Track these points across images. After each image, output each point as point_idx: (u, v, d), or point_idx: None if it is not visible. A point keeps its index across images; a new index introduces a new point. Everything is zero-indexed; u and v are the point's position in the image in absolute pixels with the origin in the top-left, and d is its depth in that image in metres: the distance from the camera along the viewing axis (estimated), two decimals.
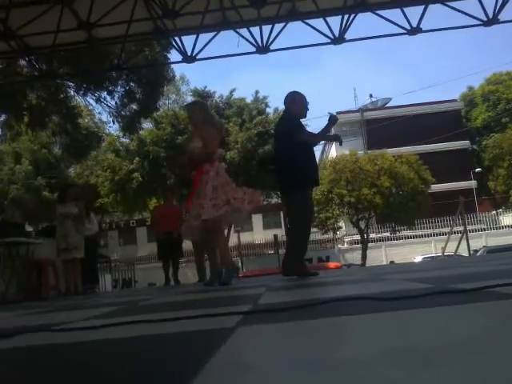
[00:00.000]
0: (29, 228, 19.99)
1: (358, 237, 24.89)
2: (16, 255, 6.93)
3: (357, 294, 1.98)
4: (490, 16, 9.15)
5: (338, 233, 26.73)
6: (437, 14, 10.05)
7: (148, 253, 27.24)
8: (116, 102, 14.96)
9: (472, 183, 30.48)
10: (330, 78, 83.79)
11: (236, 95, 25.16)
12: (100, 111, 21.80)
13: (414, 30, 9.20)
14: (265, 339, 1.14)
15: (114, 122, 16.12)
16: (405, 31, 9.27)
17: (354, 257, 24.82)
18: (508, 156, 25.92)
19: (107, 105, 15.33)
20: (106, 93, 14.81)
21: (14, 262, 6.86)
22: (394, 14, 9.33)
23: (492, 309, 1.29)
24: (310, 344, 1.02)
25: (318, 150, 47.35)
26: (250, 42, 9.44)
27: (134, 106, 14.85)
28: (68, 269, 7.35)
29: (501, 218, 28.08)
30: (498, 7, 9.12)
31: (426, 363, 0.73)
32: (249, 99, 24.97)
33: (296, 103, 4.99)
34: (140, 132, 20.02)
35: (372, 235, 25.68)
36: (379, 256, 25.31)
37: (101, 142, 21.98)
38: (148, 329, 1.50)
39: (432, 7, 9.23)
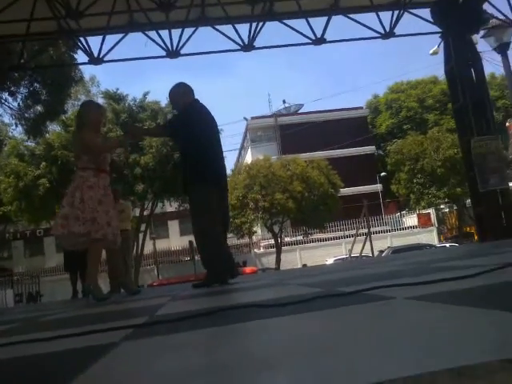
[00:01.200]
0: None
1: (273, 241, 25.42)
2: None
3: (248, 301, 2.04)
4: (388, 30, 9.84)
5: (253, 237, 27.13)
6: (340, 25, 10.63)
7: (57, 263, 25.85)
8: (19, 104, 14.10)
9: (378, 187, 32.37)
10: (244, 84, 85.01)
11: (150, 98, 24.69)
12: (1, 113, 20.37)
13: (319, 40, 9.67)
14: (143, 353, 1.14)
15: (16, 125, 15.18)
16: (310, 41, 9.69)
17: (270, 261, 25.31)
18: (408, 161, 27.83)
19: (9, 106, 14.39)
20: (7, 94, 13.89)
21: None
22: (301, 24, 9.74)
23: (359, 311, 1.39)
24: (186, 354, 1.04)
25: (233, 155, 47.92)
26: (161, 46, 9.36)
27: (39, 108, 14.07)
28: None
29: (404, 219, 30.08)
30: (393, 22, 9.85)
31: (273, 367, 0.78)
32: (163, 102, 24.61)
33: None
34: (47, 135, 18.95)
35: (286, 239, 26.36)
36: (294, 259, 26.02)
37: (2, 146, 20.51)
38: (32, 348, 1.44)
39: (336, 18, 9.77)
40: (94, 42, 9.38)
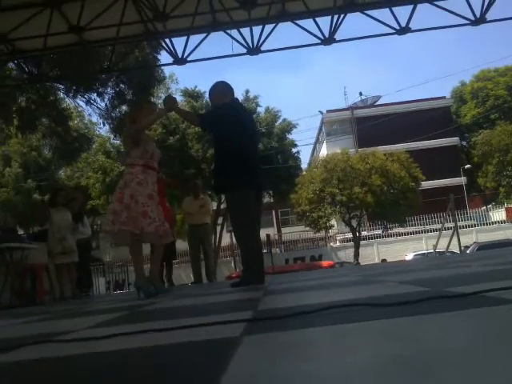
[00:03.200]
0: (20, 231, 19.85)
1: (350, 235, 25.02)
2: (10, 260, 6.89)
3: (354, 298, 2.01)
4: (478, 15, 9.25)
5: (330, 231, 26.87)
6: (425, 14, 10.17)
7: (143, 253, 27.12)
8: (106, 104, 14.93)
9: (462, 180, 30.76)
10: (320, 77, 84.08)
11: None
12: (90, 113, 21.71)
13: (403, 30, 9.29)
14: (271, 349, 1.17)
15: (104, 124, 16.07)
16: (394, 31, 9.36)
17: (347, 254, 24.95)
18: (497, 153, 26.17)
19: (97, 107, 15.28)
20: (95, 95, 14.77)
21: (8, 267, 6.82)
22: (383, 13, 9.43)
23: (488, 315, 1.32)
24: (314, 353, 1.05)
25: (308, 149, 47.54)
26: (241, 44, 9.47)
27: (125, 108, 14.81)
28: (61, 273, 7.34)
29: (490, 213, 28.37)
30: (485, 7, 9.24)
31: (427, 373, 0.76)
32: (239, 98, 24.97)
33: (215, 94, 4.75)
34: None
35: (364, 233, 25.84)
36: (371, 253, 25.46)
37: (91, 143, 21.86)
38: (153, 338, 1.52)
39: (420, 7, 9.33)
40: (177, 43, 9.70)
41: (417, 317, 1.38)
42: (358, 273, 5.26)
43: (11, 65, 11.55)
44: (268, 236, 21.19)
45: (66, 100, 15.75)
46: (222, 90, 4.71)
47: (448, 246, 14.11)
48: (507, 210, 27.03)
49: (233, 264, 26.68)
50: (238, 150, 4.37)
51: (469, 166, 30.29)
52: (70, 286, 7.32)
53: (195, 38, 9.60)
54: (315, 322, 1.48)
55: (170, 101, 4.67)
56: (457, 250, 14.65)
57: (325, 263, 20.53)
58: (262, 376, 0.89)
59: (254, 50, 9.36)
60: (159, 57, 13.15)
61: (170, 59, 9.77)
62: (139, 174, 4.30)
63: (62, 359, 1.34)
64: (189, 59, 9.45)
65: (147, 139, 4.64)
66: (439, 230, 15.51)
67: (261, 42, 9.39)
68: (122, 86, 14.45)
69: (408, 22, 9.25)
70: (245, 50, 9.42)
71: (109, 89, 14.64)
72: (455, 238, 13.50)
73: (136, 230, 4.20)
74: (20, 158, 26.36)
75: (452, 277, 2.96)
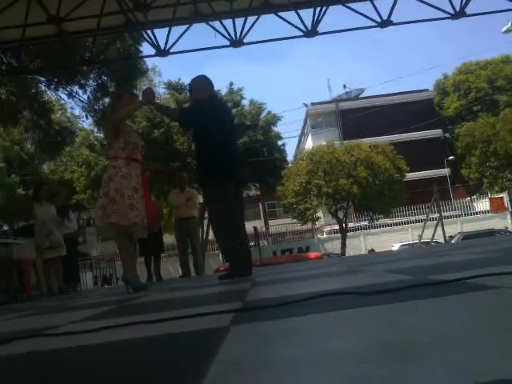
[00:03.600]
0: (4, 227, 19.59)
1: (336, 226, 25.17)
2: None
3: (341, 288, 2.02)
4: (458, 9, 9.32)
5: (317, 223, 27.00)
6: (407, 7, 10.20)
7: None
8: (88, 97, 14.74)
9: (446, 171, 31.11)
10: (304, 69, 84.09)
11: None
12: (72, 106, 21.43)
13: (385, 23, 9.34)
14: (258, 338, 1.17)
15: (87, 117, 15.90)
16: (376, 24, 9.39)
17: (334, 246, 25.11)
18: (480, 144, 26.52)
19: (79, 99, 15.09)
20: (77, 87, 14.57)
21: None
22: (365, 6, 9.46)
23: (471, 301, 1.34)
24: (300, 341, 1.05)
25: (293, 142, 47.68)
26: (224, 36, 9.42)
27: (107, 100, 14.64)
28: (48, 268, 7.26)
29: (475, 204, 28.77)
30: (464, 1, 9.31)
31: (410, 359, 0.77)
32: (223, 91, 24.87)
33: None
34: None
35: (350, 224, 26.02)
36: (358, 244, 25.67)
37: (74, 137, 21.59)
38: (143, 330, 1.51)
39: (401, 0, 9.38)
40: (160, 34, 9.59)
41: (399, 304, 1.39)
42: (345, 263, 5.30)
43: None
44: (255, 228, 21.21)
45: (48, 92, 15.51)
46: (202, 84, 4.72)
47: (433, 236, 14.30)
48: (491, 200, 27.43)
49: (220, 257, 26.68)
50: (217, 144, 4.38)
51: (452, 157, 30.62)
52: (56, 281, 7.24)
53: (177, 30, 9.53)
54: (300, 311, 1.49)
55: (149, 94, 4.65)
56: (442, 240, 14.85)
57: (312, 255, 20.64)
58: (248, 363, 0.89)
59: (236, 42, 9.32)
60: (141, 48, 13.03)
61: (153, 51, 9.68)
62: (122, 166, 4.27)
63: (51, 352, 1.33)
64: (171, 51, 9.37)
65: (129, 130, 4.58)
66: (424, 220, 15.69)
67: (243, 33, 9.36)
68: (104, 77, 14.28)
69: (389, 15, 9.29)
70: (228, 42, 9.38)
71: (91, 81, 14.46)
72: (440, 229, 13.68)
73: (125, 222, 4.18)
74: (2, 152, 25.94)
75: (435, 265, 3.00)
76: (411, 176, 25.93)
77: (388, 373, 0.71)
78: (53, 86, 14.44)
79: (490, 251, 3.82)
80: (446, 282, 1.70)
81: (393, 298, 1.51)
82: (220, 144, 4.41)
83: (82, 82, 14.27)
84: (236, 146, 4.83)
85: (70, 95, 15.01)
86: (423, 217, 19.37)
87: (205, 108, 4.48)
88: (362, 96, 37.43)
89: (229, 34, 9.44)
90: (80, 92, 14.71)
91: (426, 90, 35.58)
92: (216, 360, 0.91)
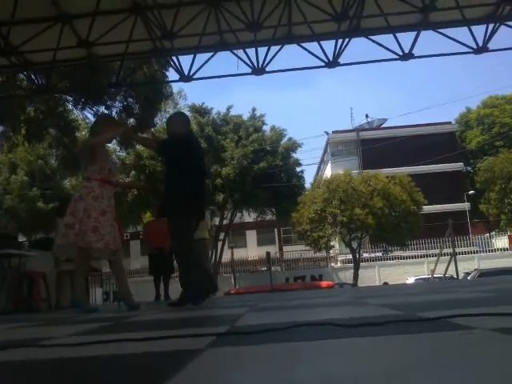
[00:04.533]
0: (22, 238, 19.95)
1: (351, 256, 24.97)
2: (8, 267, 6.97)
3: (328, 318, 2.08)
4: (480, 44, 9.40)
5: (331, 251, 26.81)
6: (429, 40, 10.33)
7: (141, 266, 27.18)
8: (114, 117, 15.13)
9: (465, 205, 30.71)
10: (326, 97, 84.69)
11: (233, 112, 25.46)
12: None
13: (406, 56, 9.44)
14: (229, 361, 1.25)
15: None
16: (397, 57, 9.51)
17: (347, 276, 24.86)
18: (500, 180, 26.20)
19: None
20: (104, 107, 14.99)
21: (6, 273, 6.89)
22: (387, 39, 9.61)
23: (436, 339, 1.40)
24: (270, 367, 1.13)
25: (313, 169, 47.78)
26: (246, 63, 9.64)
27: (132, 121, 15.01)
28: (61, 281, 7.37)
29: (493, 240, 28.26)
30: (487, 36, 9.40)
31: None
32: (245, 116, 25.27)
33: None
34: (137, 147, 20.15)
35: (365, 255, 25.76)
36: (372, 276, 25.35)
37: None
38: (126, 347, 1.60)
39: (424, 33, 9.52)
40: (184, 60, 9.92)
41: (372, 337, 1.46)
42: (349, 294, 5.31)
43: (21, 76, 11.79)
44: (268, 254, 21.20)
45: (74, 112, 15.99)
46: (182, 120, 5.02)
47: (445, 271, 14.08)
48: (510, 237, 26.93)
49: (232, 280, 26.66)
50: (185, 177, 4.54)
51: (472, 192, 30.27)
52: (70, 295, 7.27)
53: (202, 56, 9.81)
54: (279, 338, 1.56)
55: (129, 130, 4.94)
56: (455, 275, 14.60)
57: (324, 283, 20.45)
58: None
59: (258, 70, 9.53)
60: (167, 73, 13.38)
61: (177, 76, 9.97)
62: (96, 187, 4.42)
63: (35, 362, 1.43)
64: (195, 77, 9.63)
65: (104, 154, 4.76)
66: (437, 255, 15.49)
67: (266, 62, 9.57)
68: (130, 100, 14.66)
69: (411, 48, 9.41)
70: (250, 70, 9.60)
71: (117, 102, 14.86)
72: (453, 264, 13.49)
73: (84, 244, 4.30)
74: (26, 166, 26.60)
75: (431, 302, 3.03)
76: (430, 209, 25.67)
77: None
78: (79, 106, 14.89)
79: (495, 290, 3.80)
80: (425, 319, 1.76)
81: (373, 331, 1.58)
82: (188, 178, 4.55)
83: (108, 103, 14.69)
84: (204, 184, 5.05)
85: (96, 115, 15.45)
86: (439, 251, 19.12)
87: (179, 141, 4.68)
88: (383, 126, 37.45)
89: (251, 62, 9.67)
90: (106, 112, 15.12)
91: (449, 123, 35.46)
92: (176, 376, 1.00)
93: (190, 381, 1.02)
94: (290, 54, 11.35)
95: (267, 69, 9.70)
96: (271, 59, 9.63)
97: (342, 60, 9.71)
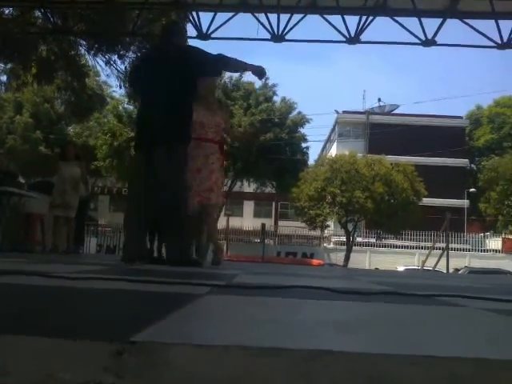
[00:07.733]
0: (22, 180, 19.96)
1: (344, 238, 25.11)
2: (6, 205, 6.96)
3: (319, 285, 2.10)
4: (505, 40, 9.23)
5: (325, 231, 26.95)
6: (453, 29, 10.11)
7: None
8: (126, 67, 14.90)
9: (464, 202, 30.73)
10: (341, 76, 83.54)
11: (245, 78, 25.15)
12: (108, 73, 21.67)
13: (429, 42, 9.28)
14: (225, 303, 1.26)
15: (120, 87, 16.03)
16: (419, 41, 9.35)
17: (338, 257, 25.03)
18: (502, 181, 26.16)
19: (116, 68, 15.25)
20: (116, 56, 14.74)
21: (4, 211, 6.89)
22: (412, 22, 9.41)
23: (428, 311, 1.41)
24: (263, 310, 1.14)
25: (318, 146, 47.42)
26: (267, 29, 9.47)
27: None
28: (58, 225, 7.23)
29: (487, 241, 28.37)
30: None
31: (348, 331, 0.88)
32: (257, 84, 24.97)
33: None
34: None
35: (359, 239, 25.90)
36: (363, 261, 25.51)
37: (104, 104, 21.85)
38: (126, 285, 1.61)
39: (449, 22, 9.32)
40: (204, 17, 9.70)
41: (363, 303, 1.48)
42: (343, 272, 5.36)
43: (37, 13, 11.56)
44: (263, 226, 21.33)
45: (86, 57, 15.74)
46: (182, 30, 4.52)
47: (436, 264, 14.17)
48: (504, 240, 27.03)
49: (225, 247, 26.85)
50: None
51: (473, 189, 30.25)
52: (65, 240, 7.21)
53: (222, 16, 9.63)
54: (275, 294, 1.57)
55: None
56: (444, 270, 14.71)
57: (315, 261, 20.68)
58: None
59: (278, 37, 9.38)
60: (185, 28, 13.13)
61: (195, 32, 9.79)
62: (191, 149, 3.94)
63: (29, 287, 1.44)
64: (212, 36, 9.48)
65: (198, 109, 4.15)
66: (430, 247, 15.57)
67: (286, 30, 9.41)
68: (144, 51, 14.42)
69: (435, 35, 9.24)
70: (269, 36, 9.44)
71: (130, 52, 14.61)
72: (444, 258, 13.58)
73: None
74: (32, 108, 26.39)
75: (424, 285, 3.05)
76: (428, 201, 25.68)
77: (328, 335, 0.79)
78: (92, 52, 14.62)
79: (492, 284, 3.84)
80: (415, 295, 1.77)
81: (359, 298, 1.60)
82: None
83: (121, 52, 14.43)
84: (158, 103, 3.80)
85: (108, 63, 15.17)
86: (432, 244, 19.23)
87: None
88: (394, 112, 37.06)
89: (272, 28, 9.50)
90: (118, 61, 14.89)
91: (460, 118, 35.14)
92: (174, 313, 1.00)
93: (190, 315, 1.03)
94: (311, 28, 11.11)
95: (287, 37, 9.55)
96: (292, 27, 9.46)
97: (363, 38, 9.56)
